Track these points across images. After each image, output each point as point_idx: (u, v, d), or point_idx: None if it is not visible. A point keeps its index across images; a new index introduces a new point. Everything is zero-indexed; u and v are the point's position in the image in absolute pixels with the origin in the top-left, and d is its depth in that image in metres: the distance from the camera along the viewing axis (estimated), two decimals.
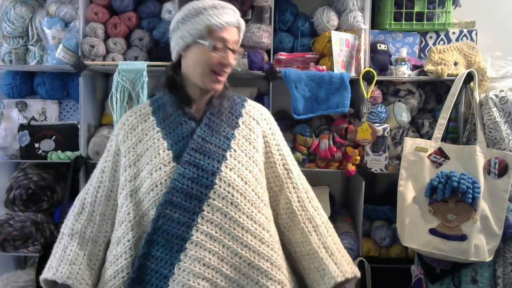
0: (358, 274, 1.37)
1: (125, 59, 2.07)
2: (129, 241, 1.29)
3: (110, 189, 1.37)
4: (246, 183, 1.30)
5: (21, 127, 2.09)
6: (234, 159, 1.30)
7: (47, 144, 2.09)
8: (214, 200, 1.26)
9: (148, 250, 1.26)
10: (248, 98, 1.49)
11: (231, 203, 1.27)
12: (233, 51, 1.32)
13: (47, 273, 1.31)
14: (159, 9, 2.12)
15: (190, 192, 1.25)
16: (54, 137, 2.09)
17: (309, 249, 1.36)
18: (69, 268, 1.30)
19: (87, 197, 1.39)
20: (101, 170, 1.39)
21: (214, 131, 1.33)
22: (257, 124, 1.40)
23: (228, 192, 1.27)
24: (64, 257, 1.32)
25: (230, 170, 1.29)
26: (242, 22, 1.34)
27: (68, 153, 2.07)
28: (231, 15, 1.30)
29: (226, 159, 1.30)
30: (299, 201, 1.40)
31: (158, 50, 2.10)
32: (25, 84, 2.22)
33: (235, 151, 1.32)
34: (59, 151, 2.07)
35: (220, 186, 1.26)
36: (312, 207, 1.40)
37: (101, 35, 2.07)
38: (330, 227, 1.42)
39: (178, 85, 1.36)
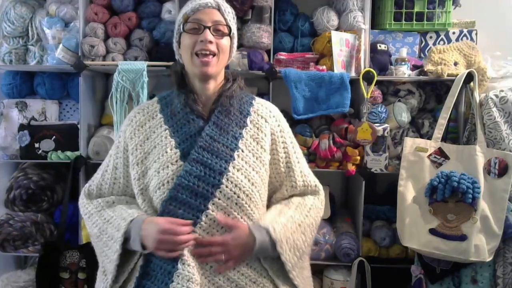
0: (277, 246, 1.27)
1: (125, 59, 2.07)
2: None
3: (125, 185, 1.38)
4: (252, 184, 1.30)
5: (21, 127, 2.09)
6: (242, 160, 1.30)
7: (47, 144, 2.08)
8: (219, 199, 1.25)
9: None
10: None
11: (236, 204, 1.27)
12: (217, 30, 1.32)
13: (121, 231, 1.25)
14: (159, 9, 2.12)
15: (196, 190, 1.25)
16: (54, 137, 2.09)
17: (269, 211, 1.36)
18: (131, 210, 1.29)
19: (102, 193, 1.40)
20: (113, 167, 1.39)
21: (222, 130, 1.32)
22: (265, 122, 1.39)
23: (234, 193, 1.26)
24: (119, 212, 1.31)
25: (238, 170, 1.28)
26: (222, 3, 1.34)
27: (68, 153, 2.07)
28: None
29: (234, 159, 1.29)
30: (291, 196, 1.41)
31: (158, 50, 2.09)
32: (25, 84, 2.22)
33: (242, 151, 1.31)
34: (59, 151, 2.07)
35: (226, 186, 1.26)
36: (299, 198, 1.40)
37: (101, 35, 2.07)
38: (303, 210, 1.36)
39: (184, 80, 1.37)
